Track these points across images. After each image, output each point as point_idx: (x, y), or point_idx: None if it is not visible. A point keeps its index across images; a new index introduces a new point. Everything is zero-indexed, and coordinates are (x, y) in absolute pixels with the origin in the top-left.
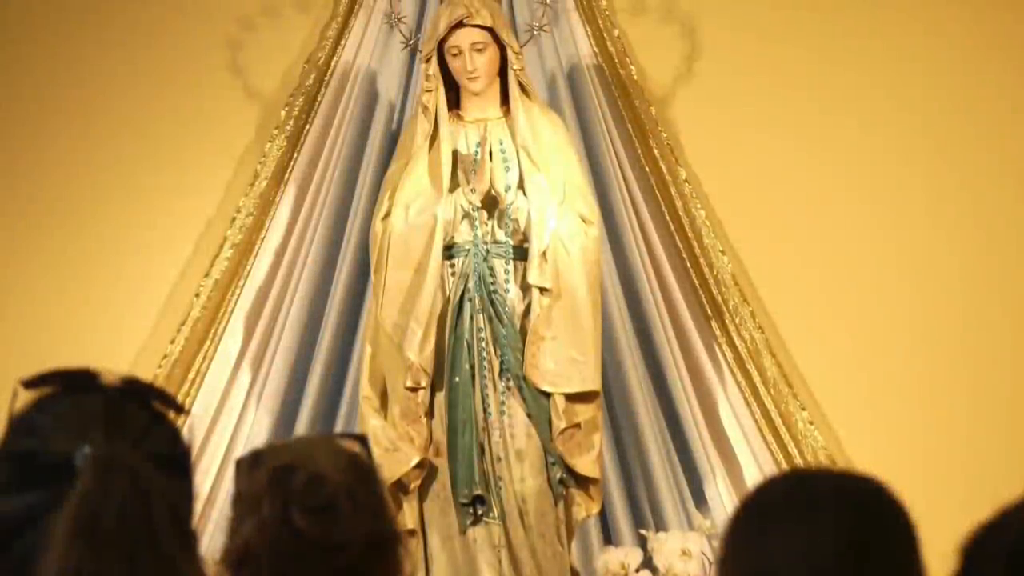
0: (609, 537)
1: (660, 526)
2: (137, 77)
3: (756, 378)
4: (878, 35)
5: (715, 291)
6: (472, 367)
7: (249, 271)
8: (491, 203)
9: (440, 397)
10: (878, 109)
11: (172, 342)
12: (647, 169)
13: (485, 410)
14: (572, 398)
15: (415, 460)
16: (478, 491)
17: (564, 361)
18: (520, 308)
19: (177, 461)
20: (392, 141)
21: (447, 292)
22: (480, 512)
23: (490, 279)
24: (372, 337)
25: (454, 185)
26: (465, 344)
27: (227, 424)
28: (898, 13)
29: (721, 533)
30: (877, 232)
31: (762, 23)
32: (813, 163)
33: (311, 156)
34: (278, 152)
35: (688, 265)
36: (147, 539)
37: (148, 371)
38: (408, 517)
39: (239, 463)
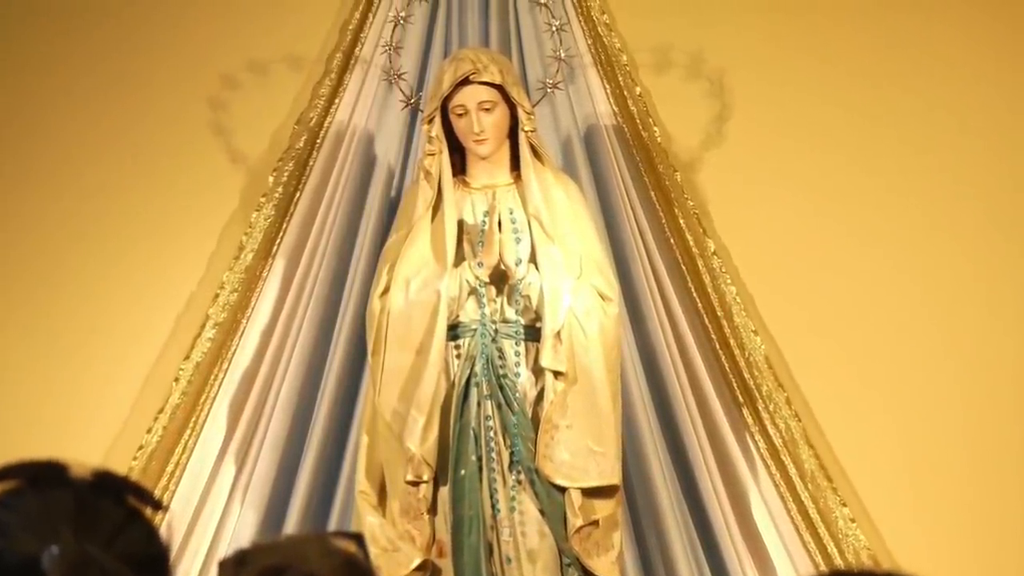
0: None
1: None
2: (109, 140)
3: (792, 471)
4: (922, 90)
5: (747, 375)
6: (479, 459)
7: (233, 353)
8: (500, 278)
9: (444, 492)
10: (925, 175)
11: (149, 431)
12: (672, 240)
13: (493, 506)
14: (589, 493)
15: (416, 561)
16: None
17: (580, 452)
18: (532, 394)
19: (154, 562)
20: (391, 210)
21: (452, 376)
22: None
23: (499, 362)
24: (369, 426)
25: (459, 258)
26: (471, 433)
27: (209, 521)
28: (942, 67)
29: None
30: (923, 311)
31: (798, 78)
32: (855, 235)
33: (302, 226)
34: (265, 222)
35: (717, 346)
36: None
37: (122, 463)
38: None
39: (223, 564)
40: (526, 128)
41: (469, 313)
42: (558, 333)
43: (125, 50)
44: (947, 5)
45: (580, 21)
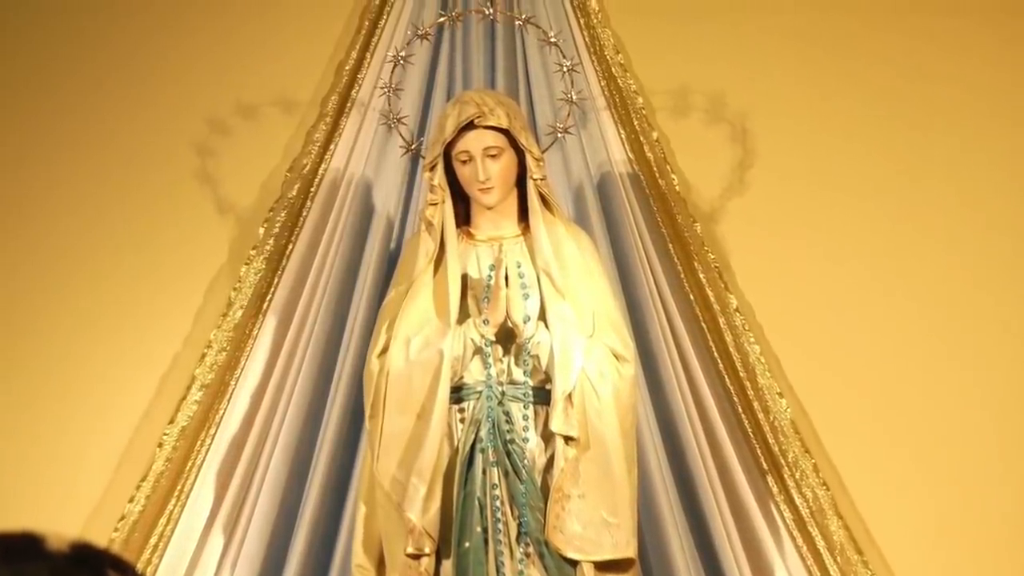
0: None
1: None
2: (87, 189)
3: (820, 543)
4: (958, 135)
5: (771, 440)
6: (485, 530)
7: (221, 417)
8: (507, 337)
9: (447, 566)
10: (964, 226)
11: (131, 500)
12: (691, 296)
13: None
14: (603, 567)
15: None
16: None
17: (594, 523)
18: (541, 461)
19: None
20: (390, 263)
21: (455, 442)
22: None
23: (506, 426)
24: (367, 495)
25: (463, 315)
26: (476, 503)
27: None
28: (977, 109)
29: None
30: (962, 373)
31: (826, 122)
32: (888, 291)
33: (294, 281)
34: (255, 276)
35: (740, 410)
36: None
37: (103, 535)
38: None
39: None
40: (535, 176)
41: (474, 374)
42: (569, 396)
43: (104, 93)
44: (982, 45)
45: (593, 61)
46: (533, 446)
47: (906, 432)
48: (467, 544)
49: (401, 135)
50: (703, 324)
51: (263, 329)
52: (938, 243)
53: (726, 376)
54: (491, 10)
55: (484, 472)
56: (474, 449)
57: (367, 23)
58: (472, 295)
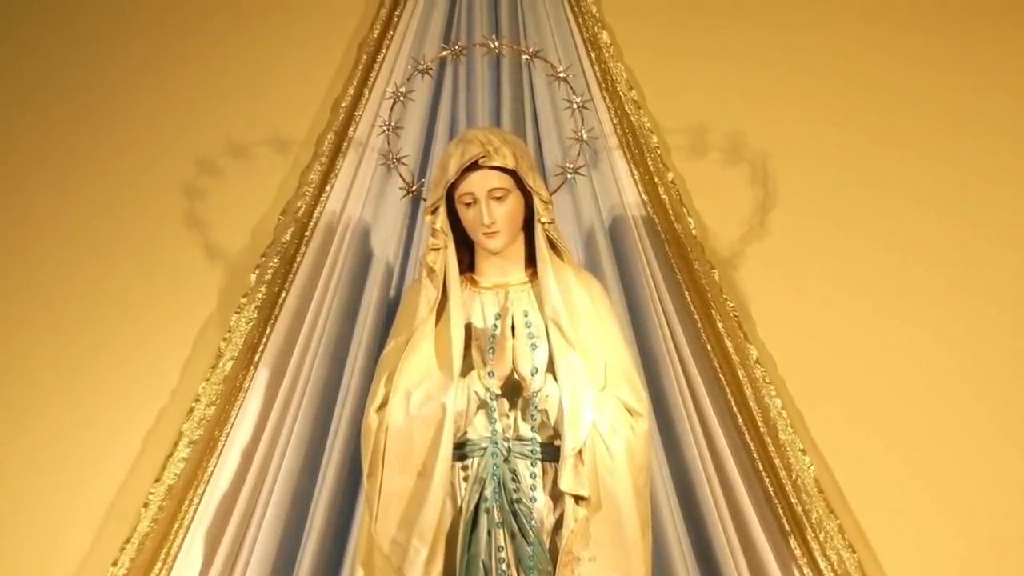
0: None
1: None
2: (69, 234)
3: None
4: (987, 176)
5: (794, 500)
6: None
7: (210, 475)
8: (514, 390)
9: None
10: (994, 273)
11: (115, 564)
12: (709, 347)
13: None
14: None
15: None
16: None
17: None
18: (550, 521)
19: None
20: (389, 312)
21: (458, 501)
22: None
23: (512, 485)
24: (365, 558)
25: (467, 367)
26: (481, 566)
27: None
28: (1004, 151)
29: None
30: (997, 427)
31: (851, 163)
32: (917, 341)
33: (288, 331)
34: (247, 326)
35: (760, 467)
36: None
37: None
38: None
39: None
40: (543, 219)
41: (478, 429)
42: (580, 452)
43: (88, 131)
44: (1012, 83)
45: (605, 98)
46: (541, 506)
47: (937, 491)
48: None
49: (401, 176)
50: (721, 376)
51: (254, 382)
52: (971, 291)
53: (746, 432)
54: (496, 43)
55: (489, 533)
56: (478, 509)
57: (365, 57)
58: (476, 346)
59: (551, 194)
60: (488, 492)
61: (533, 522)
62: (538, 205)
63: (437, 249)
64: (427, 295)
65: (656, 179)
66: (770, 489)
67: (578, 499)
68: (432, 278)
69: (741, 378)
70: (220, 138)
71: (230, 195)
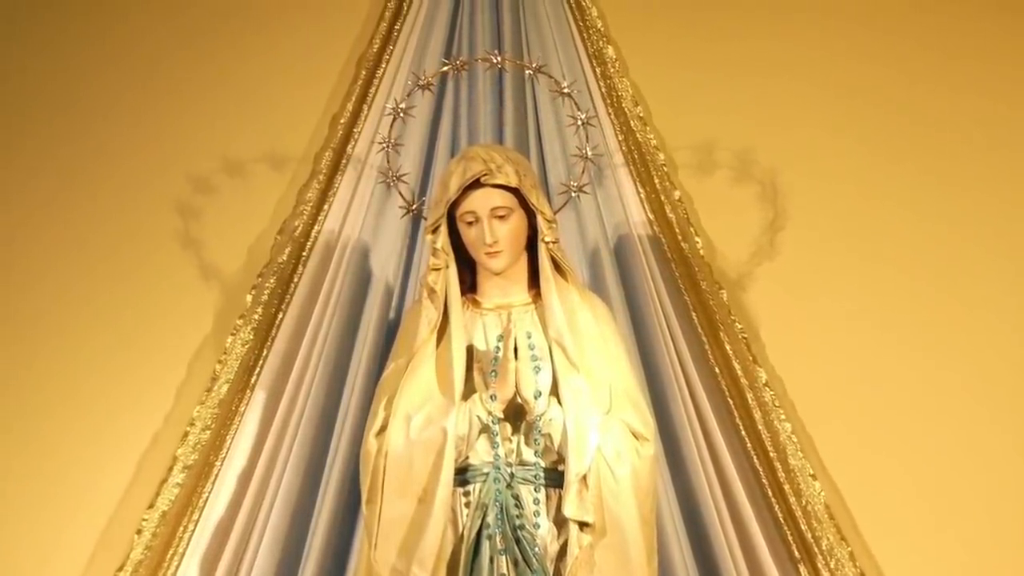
0: None
1: None
2: (58, 255)
3: None
4: (999, 193)
5: (804, 526)
6: None
7: (205, 501)
8: (516, 414)
9: None
10: (1007, 292)
11: None
12: (717, 370)
13: None
14: None
15: None
16: None
17: None
18: (554, 548)
19: None
20: (389, 333)
21: (460, 528)
22: None
23: (515, 511)
24: None
25: (469, 391)
26: None
27: None
28: (1017, 165)
29: None
30: (1011, 451)
31: (862, 181)
32: (929, 362)
33: (285, 353)
34: (243, 348)
35: (769, 492)
36: None
37: None
38: None
39: None
40: (547, 238)
41: (480, 454)
42: (584, 478)
43: (81, 149)
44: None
45: (610, 114)
46: (544, 532)
47: (951, 518)
48: None
49: (401, 194)
50: (729, 400)
51: (251, 405)
52: (985, 312)
53: (754, 456)
54: (499, 58)
55: (491, 561)
56: (480, 536)
57: (364, 72)
58: (478, 368)
59: (555, 213)
60: (490, 518)
61: (536, 549)
62: (541, 224)
63: (438, 269)
64: (428, 316)
65: (662, 197)
66: (780, 515)
67: (582, 525)
68: (433, 299)
69: (750, 401)
70: (215, 155)
71: (226, 214)
